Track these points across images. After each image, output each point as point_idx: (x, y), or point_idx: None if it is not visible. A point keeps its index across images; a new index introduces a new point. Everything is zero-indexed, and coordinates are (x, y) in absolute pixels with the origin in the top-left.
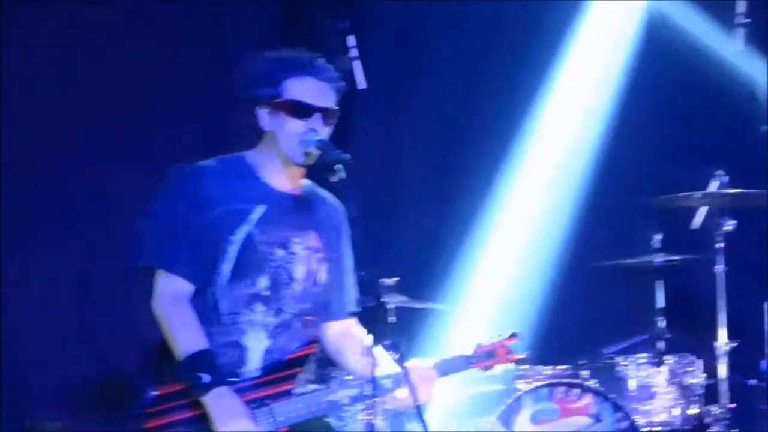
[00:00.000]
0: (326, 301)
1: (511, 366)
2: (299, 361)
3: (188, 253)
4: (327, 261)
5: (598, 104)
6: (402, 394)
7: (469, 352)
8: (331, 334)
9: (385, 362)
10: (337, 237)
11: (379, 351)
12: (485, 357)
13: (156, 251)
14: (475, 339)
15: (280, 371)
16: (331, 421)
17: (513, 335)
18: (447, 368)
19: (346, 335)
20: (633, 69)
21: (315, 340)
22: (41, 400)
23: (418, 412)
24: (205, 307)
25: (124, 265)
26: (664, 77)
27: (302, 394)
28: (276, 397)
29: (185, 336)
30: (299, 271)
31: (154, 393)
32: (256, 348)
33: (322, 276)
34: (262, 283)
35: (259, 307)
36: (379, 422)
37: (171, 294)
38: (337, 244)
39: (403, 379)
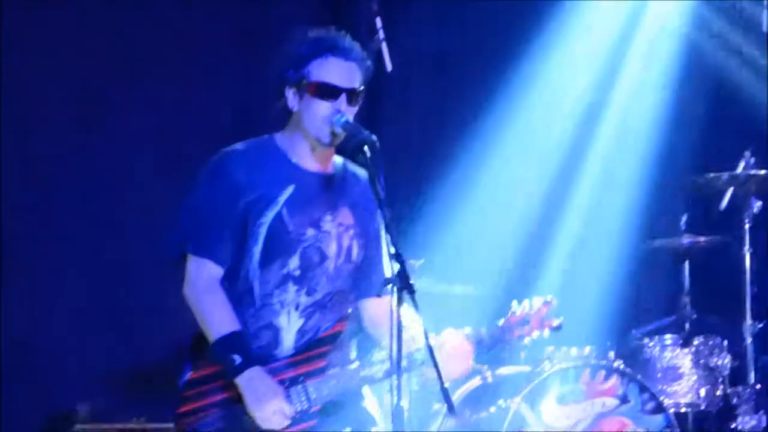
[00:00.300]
0: (362, 277)
1: (546, 334)
2: (331, 339)
3: (218, 237)
4: (360, 237)
5: (630, 89)
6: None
7: (501, 322)
8: (368, 310)
9: (422, 335)
10: (371, 213)
11: (415, 324)
12: (519, 326)
13: (187, 237)
14: (506, 310)
15: (311, 350)
16: (365, 401)
17: (546, 302)
18: (480, 339)
19: (383, 310)
20: (666, 50)
21: (345, 317)
22: (72, 384)
23: (444, 392)
24: (240, 292)
25: (158, 250)
26: (695, 58)
27: (335, 371)
28: (309, 375)
29: (216, 318)
30: (331, 250)
31: (188, 377)
32: (290, 328)
33: (355, 252)
34: (294, 263)
35: (292, 288)
36: (405, 404)
37: (201, 278)
38: (371, 220)
39: (438, 351)
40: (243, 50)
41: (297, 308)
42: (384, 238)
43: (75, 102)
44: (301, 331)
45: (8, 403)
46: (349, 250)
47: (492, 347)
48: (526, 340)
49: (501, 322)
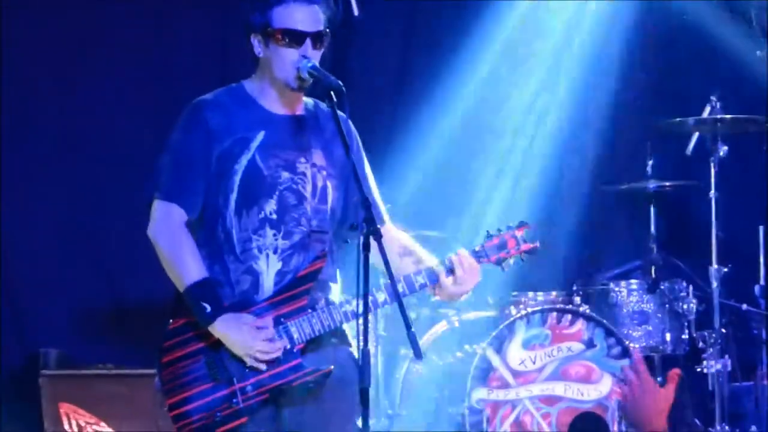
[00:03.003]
0: (351, 212)
1: (524, 257)
2: (309, 278)
3: (188, 184)
4: (333, 178)
5: (596, 33)
6: (448, 282)
7: (477, 248)
8: None
9: (425, 258)
10: (347, 149)
11: (416, 249)
12: (496, 250)
13: (158, 183)
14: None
15: (291, 289)
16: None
17: (522, 224)
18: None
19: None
20: None
21: (323, 255)
22: (47, 328)
23: (411, 336)
24: (219, 240)
25: (139, 195)
26: (662, 3)
27: (315, 309)
28: (290, 315)
29: (186, 264)
30: (307, 191)
31: (168, 326)
32: (269, 272)
33: (330, 193)
34: (270, 207)
35: (269, 232)
36: (372, 348)
37: (169, 220)
38: (347, 157)
39: (448, 269)
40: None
41: (275, 252)
42: (368, 170)
43: (85, 38)
44: (280, 273)
45: None
46: (324, 190)
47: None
48: (504, 265)
49: (477, 247)
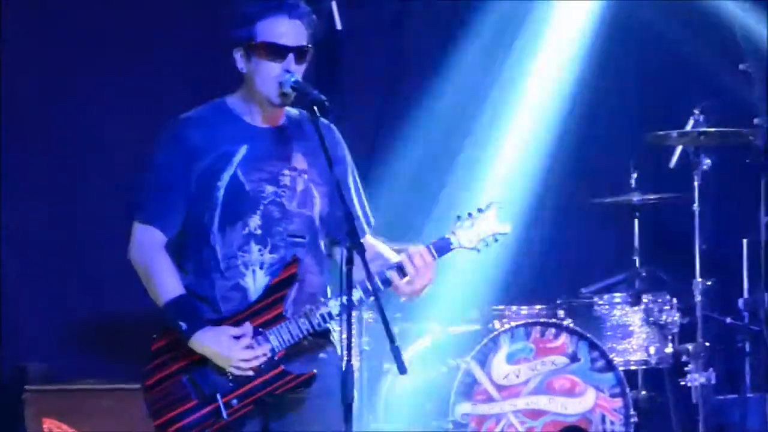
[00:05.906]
0: (337, 223)
1: (496, 241)
2: (284, 284)
3: (167, 205)
4: (319, 185)
5: (578, 45)
6: (402, 282)
7: (448, 234)
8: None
9: (389, 255)
10: (333, 157)
11: (385, 252)
12: (468, 235)
13: (137, 204)
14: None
15: (266, 297)
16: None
17: (491, 204)
18: (435, 252)
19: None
20: (615, 7)
21: (295, 260)
22: (32, 343)
23: (394, 350)
24: (204, 257)
25: (122, 212)
26: (645, 15)
27: (293, 314)
28: (267, 324)
29: (164, 283)
30: (292, 203)
31: (151, 348)
32: (257, 287)
33: (317, 198)
34: (254, 222)
35: (254, 247)
36: (356, 363)
37: (148, 242)
38: (333, 165)
39: (405, 267)
40: (203, 16)
41: (261, 267)
42: (355, 177)
43: (73, 51)
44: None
45: None
46: (305, 194)
47: (440, 256)
48: (479, 246)
49: (448, 233)
